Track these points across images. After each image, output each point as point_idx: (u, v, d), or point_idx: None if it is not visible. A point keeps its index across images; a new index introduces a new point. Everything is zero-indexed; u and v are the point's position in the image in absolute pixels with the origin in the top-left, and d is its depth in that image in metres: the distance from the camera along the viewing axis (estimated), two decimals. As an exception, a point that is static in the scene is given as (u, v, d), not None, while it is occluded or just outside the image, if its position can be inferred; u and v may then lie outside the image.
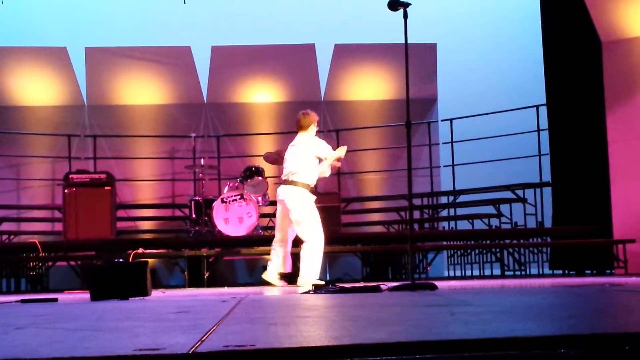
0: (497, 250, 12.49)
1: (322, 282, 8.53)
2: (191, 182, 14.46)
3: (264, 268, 9.75)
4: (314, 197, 9.20)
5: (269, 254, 13.08)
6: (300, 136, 9.30)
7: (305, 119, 9.26)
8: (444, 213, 14.90)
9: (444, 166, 15.06)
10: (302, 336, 2.74)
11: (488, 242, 12.80)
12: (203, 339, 2.63)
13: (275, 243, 9.51)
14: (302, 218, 9.04)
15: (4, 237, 13.41)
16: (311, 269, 8.96)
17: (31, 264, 12.09)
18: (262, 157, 12.64)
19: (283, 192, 9.17)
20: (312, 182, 9.17)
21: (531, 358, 2.28)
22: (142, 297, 6.60)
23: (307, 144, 9.19)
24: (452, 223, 14.42)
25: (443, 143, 15.16)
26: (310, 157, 9.13)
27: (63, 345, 2.66)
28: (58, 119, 15.31)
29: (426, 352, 2.29)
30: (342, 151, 9.23)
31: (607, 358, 2.29)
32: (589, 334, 2.46)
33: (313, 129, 9.31)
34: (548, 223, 13.04)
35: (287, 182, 9.17)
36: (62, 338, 2.93)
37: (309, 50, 15.67)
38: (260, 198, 11.97)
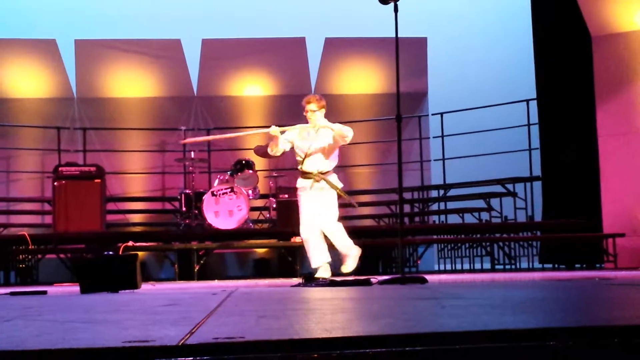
0: (488, 244, 12.52)
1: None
2: (181, 175, 14.45)
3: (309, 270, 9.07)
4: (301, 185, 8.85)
5: (259, 247, 13.14)
6: None
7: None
8: (435, 207, 14.92)
9: (435, 160, 15.07)
10: (292, 328, 2.74)
11: (478, 236, 12.83)
12: (192, 331, 2.62)
13: None
14: None
15: (-6, 229, 13.39)
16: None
17: (21, 256, 12.07)
18: (252, 151, 12.66)
19: None
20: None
21: (521, 350, 2.28)
22: (132, 290, 6.60)
23: None
24: (443, 217, 14.44)
25: (433, 137, 15.16)
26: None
27: (52, 337, 2.65)
28: (47, 112, 15.25)
29: (416, 345, 2.29)
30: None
31: (596, 350, 2.30)
32: (579, 327, 2.47)
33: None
34: (538, 217, 13.07)
35: None
36: (51, 330, 2.93)
37: (299, 43, 15.65)
38: (250, 191, 11.97)
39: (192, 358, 2.22)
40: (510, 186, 13.42)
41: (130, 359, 2.20)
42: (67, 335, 2.69)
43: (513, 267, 12.53)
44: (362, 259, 12.43)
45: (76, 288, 7.02)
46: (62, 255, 12.27)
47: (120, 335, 2.57)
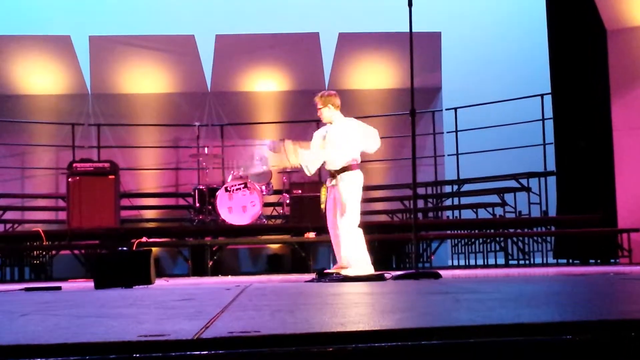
0: (501, 239, 12.49)
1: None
2: (195, 171, 14.45)
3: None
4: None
5: (272, 243, 13.15)
6: None
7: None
8: (448, 202, 14.89)
9: (448, 155, 15.04)
10: (307, 323, 2.73)
11: (492, 231, 12.80)
12: (208, 326, 2.63)
13: None
14: None
15: (8, 225, 13.43)
16: None
17: (35, 252, 12.11)
18: (266, 146, 12.67)
19: None
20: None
21: (537, 344, 2.27)
22: (146, 286, 6.61)
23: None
24: (457, 212, 14.41)
25: (447, 132, 15.14)
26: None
27: (68, 331, 2.66)
28: (62, 108, 15.30)
29: (432, 339, 2.28)
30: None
31: (613, 344, 2.29)
32: (596, 321, 2.46)
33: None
34: (552, 212, 13.03)
35: None
36: (67, 324, 2.94)
37: (313, 39, 15.65)
38: (264, 187, 11.97)
39: (207, 352, 2.22)
40: (524, 181, 13.38)
41: (146, 353, 2.20)
42: (83, 329, 2.70)
43: (527, 262, 12.50)
44: (376, 254, 12.49)
45: (90, 284, 7.05)
46: (76, 251, 12.31)
47: (136, 330, 2.57)
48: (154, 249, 8.86)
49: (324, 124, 8.25)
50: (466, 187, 14.40)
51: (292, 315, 3.05)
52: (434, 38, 15.71)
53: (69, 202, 11.85)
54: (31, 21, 16.93)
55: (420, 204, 14.42)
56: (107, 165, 12.09)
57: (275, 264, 13.14)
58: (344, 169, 7.92)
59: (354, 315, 3.10)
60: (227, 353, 2.22)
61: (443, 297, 4.12)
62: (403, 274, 7.31)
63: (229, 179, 11.99)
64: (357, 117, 8.39)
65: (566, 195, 12.71)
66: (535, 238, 12.74)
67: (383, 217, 14.57)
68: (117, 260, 6.84)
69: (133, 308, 3.82)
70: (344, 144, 8.00)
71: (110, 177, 11.94)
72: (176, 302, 4.12)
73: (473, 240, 13.16)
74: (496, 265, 12.38)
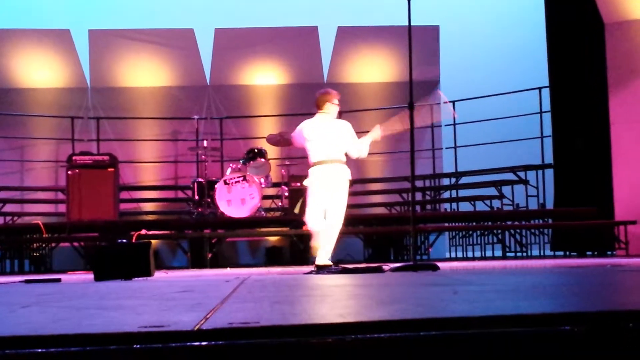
0: (499, 231, 12.51)
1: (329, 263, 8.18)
2: (194, 163, 14.44)
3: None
4: None
5: (271, 235, 13.16)
6: (326, 117, 8.55)
7: (320, 97, 8.52)
8: (446, 195, 14.91)
9: (446, 148, 15.05)
10: (306, 314, 2.75)
11: (490, 223, 12.82)
12: (207, 317, 2.64)
13: (322, 224, 8.19)
14: (344, 200, 8.28)
15: (8, 218, 13.43)
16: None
17: (35, 245, 12.13)
18: (264, 139, 12.67)
19: (337, 171, 8.31)
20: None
21: (535, 335, 2.29)
22: (145, 278, 6.63)
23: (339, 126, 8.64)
24: (454, 205, 14.43)
25: (445, 125, 15.13)
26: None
27: (68, 322, 2.68)
28: (61, 101, 15.29)
29: (430, 330, 2.30)
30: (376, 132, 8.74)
31: (611, 335, 2.31)
32: (594, 312, 2.48)
33: (329, 107, 8.55)
34: (550, 205, 13.04)
35: (336, 161, 8.36)
36: (67, 316, 2.95)
37: (312, 32, 15.64)
38: (262, 180, 11.98)
39: (207, 343, 2.23)
40: (522, 174, 13.39)
41: (146, 344, 2.22)
42: (84, 320, 2.72)
43: (524, 254, 12.52)
44: (374, 246, 12.52)
45: (90, 276, 7.07)
46: (75, 244, 12.33)
47: (136, 321, 2.59)
48: (153, 241, 8.88)
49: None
50: (464, 180, 14.41)
51: (292, 307, 3.07)
52: (433, 31, 15.71)
53: (68, 195, 11.86)
54: (31, 15, 16.91)
55: (418, 196, 14.44)
56: (106, 158, 12.10)
57: (273, 256, 13.16)
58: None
59: (353, 306, 3.12)
60: (227, 344, 2.23)
61: (441, 288, 4.14)
62: (401, 266, 7.33)
63: (228, 171, 12.00)
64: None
65: (563, 188, 12.74)
66: (532, 230, 12.76)
67: (381, 210, 14.58)
68: (117, 252, 6.85)
69: (133, 300, 3.83)
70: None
71: (109, 169, 11.95)
72: (176, 294, 4.14)
73: (471, 232, 13.19)
74: (494, 258, 12.41)
